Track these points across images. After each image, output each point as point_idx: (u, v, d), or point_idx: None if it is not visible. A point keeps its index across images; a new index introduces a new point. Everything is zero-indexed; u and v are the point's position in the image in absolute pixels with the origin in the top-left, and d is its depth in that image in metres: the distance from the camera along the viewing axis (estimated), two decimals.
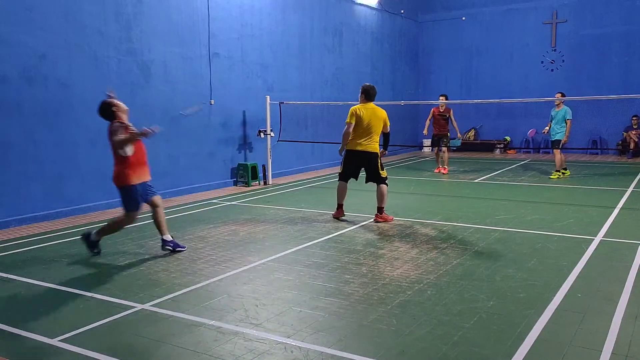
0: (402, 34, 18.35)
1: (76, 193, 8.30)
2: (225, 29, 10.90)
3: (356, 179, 7.73)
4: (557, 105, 11.59)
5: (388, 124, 7.53)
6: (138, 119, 9.18)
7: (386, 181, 7.56)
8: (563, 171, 11.76)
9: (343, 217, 7.68)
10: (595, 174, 12.20)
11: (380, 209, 7.50)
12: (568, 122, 11.37)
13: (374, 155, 7.44)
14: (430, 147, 13.09)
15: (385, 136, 7.65)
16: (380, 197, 7.47)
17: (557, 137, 11.54)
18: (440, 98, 12.76)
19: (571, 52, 16.96)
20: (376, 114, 7.37)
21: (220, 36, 10.77)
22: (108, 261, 5.74)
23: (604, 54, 16.46)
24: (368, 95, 7.47)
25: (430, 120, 12.99)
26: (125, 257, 5.90)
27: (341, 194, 7.69)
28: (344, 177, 7.68)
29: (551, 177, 11.60)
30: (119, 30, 8.82)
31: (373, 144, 7.43)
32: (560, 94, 11.61)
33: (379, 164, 7.46)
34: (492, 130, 18.31)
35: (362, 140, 7.38)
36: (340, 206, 7.70)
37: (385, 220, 7.43)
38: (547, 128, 11.83)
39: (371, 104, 7.45)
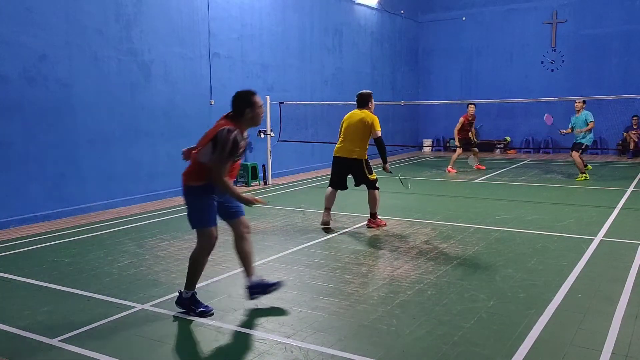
0: (402, 34, 18.35)
1: (76, 193, 8.30)
2: (225, 29, 10.90)
3: (342, 188, 7.27)
4: (577, 111, 11.51)
5: (375, 129, 6.92)
6: (138, 118, 9.24)
7: (376, 184, 7.13)
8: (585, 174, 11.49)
9: (329, 225, 7.11)
10: (595, 174, 12.19)
11: (372, 215, 7.24)
12: (591, 123, 11.27)
13: (350, 162, 7.07)
14: (463, 149, 13.06)
15: (376, 143, 7.02)
16: (371, 202, 7.14)
17: (580, 141, 11.37)
18: (471, 107, 12.89)
19: (571, 52, 16.96)
20: (353, 118, 7.08)
21: (220, 36, 10.77)
22: (108, 261, 5.74)
23: (603, 54, 16.46)
24: (357, 102, 7.22)
25: (459, 129, 12.95)
26: (125, 257, 5.90)
27: (326, 198, 7.23)
28: (330, 183, 7.30)
29: (577, 179, 11.29)
30: (119, 30, 8.82)
31: (348, 149, 7.05)
32: (581, 101, 11.51)
33: (364, 169, 7.05)
34: (492, 130, 18.30)
35: (338, 145, 7.19)
36: (325, 209, 7.22)
37: (378, 226, 7.19)
38: (565, 131, 11.79)
39: (356, 111, 7.15)
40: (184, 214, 8.16)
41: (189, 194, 4.16)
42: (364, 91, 7.25)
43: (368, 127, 6.94)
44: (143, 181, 9.35)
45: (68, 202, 8.19)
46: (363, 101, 7.14)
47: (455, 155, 13.08)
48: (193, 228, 4.19)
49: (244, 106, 4.11)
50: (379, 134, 6.95)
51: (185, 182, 4.15)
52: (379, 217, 7.29)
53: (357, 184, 7.28)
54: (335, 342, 3.68)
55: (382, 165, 7.17)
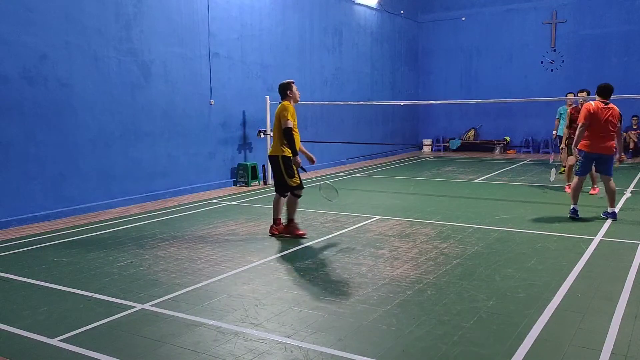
0: (402, 34, 18.35)
1: (76, 193, 8.30)
2: (225, 29, 10.91)
3: (276, 193, 6.88)
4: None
5: (282, 118, 6.42)
6: (138, 118, 9.24)
7: (296, 191, 6.66)
8: None
9: (280, 234, 6.77)
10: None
11: (288, 220, 6.73)
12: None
13: (273, 159, 6.66)
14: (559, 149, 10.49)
15: (284, 134, 6.47)
16: (287, 207, 6.71)
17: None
18: (581, 94, 10.09)
19: (571, 52, 16.97)
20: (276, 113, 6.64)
21: (220, 36, 10.78)
22: (108, 261, 5.75)
23: (603, 54, 16.47)
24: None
25: (559, 120, 10.99)
26: (125, 257, 5.90)
27: (275, 207, 6.87)
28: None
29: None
30: (119, 30, 8.83)
31: (274, 146, 6.69)
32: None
33: (283, 170, 6.57)
34: (492, 130, 18.32)
35: None
36: (275, 221, 6.82)
37: (290, 234, 6.65)
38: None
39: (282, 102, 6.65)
40: (183, 214, 8.22)
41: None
42: (283, 81, 6.75)
43: (278, 117, 6.50)
44: (143, 181, 9.36)
45: (68, 202, 8.19)
46: (281, 92, 6.68)
47: (570, 163, 9.34)
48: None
49: None
50: (289, 125, 6.38)
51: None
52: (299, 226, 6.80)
53: (276, 189, 6.80)
54: (335, 342, 3.69)
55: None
